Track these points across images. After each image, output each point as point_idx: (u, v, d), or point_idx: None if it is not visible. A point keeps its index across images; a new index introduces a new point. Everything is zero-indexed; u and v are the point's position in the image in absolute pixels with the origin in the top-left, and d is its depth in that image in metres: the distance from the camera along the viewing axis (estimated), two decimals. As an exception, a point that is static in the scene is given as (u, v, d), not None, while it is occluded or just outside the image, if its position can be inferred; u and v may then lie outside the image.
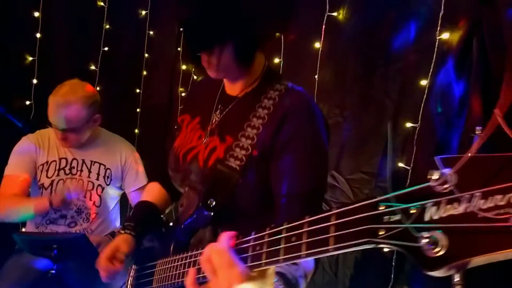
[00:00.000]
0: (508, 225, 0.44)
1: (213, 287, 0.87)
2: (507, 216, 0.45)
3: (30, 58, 3.17)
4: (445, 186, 0.53)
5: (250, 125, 1.29)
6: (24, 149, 2.57)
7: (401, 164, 2.25)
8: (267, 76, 1.37)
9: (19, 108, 3.07)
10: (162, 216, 1.60)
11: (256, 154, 1.26)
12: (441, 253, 0.50)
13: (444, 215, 0.51)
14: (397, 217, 0.56)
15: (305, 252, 0.71)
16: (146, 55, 3.19)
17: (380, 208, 0.59)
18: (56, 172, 2.55)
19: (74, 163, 2.58)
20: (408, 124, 2.28)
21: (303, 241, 0.72)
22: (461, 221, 0.49)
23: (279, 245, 0.77)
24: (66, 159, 2.58)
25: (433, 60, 2.17)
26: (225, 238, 0.88)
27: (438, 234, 0.51)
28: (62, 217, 2.53)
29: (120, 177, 2.66)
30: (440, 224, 0.51)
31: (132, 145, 2.78)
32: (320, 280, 2.44)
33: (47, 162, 2.56)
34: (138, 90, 3.25)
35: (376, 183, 2.29)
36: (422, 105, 2.23)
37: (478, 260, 0.48)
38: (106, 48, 3.26)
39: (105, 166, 2.61)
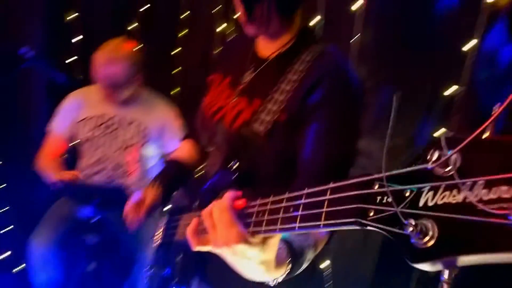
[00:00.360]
0: (505, 223, 0.35)
1: (212, 240, 0.85)
2: (507, 212, 0.36)
3: (73, 15, 3.17)
4: (447, 169, 0.44)
5: (279, 89, 1.24)
6: (67, 108, 2.67)
7: (441, 132, 2.10)
8: (302, 37, 1.30)
9: (63, 65, 3.10)
10: (191, 173, 1.60)
11: (283, 120, 1.21)
12: (429, 244, 0.43)
13: (441, 202, 0.43)
14: (389, 199, 0.49)
15: (298, 225, 0.66)
16: (184, 15, 3.12)
17: (375, 187, 0.52)
18: (95, 127, 2.61)
19: (114, 120, 2.63)
20: (450, 90, 2.12)
21: (299, 213, 0.66)
22: (456, 212, 0.41)
23: (278, 215, 0.73)
24: (106, 116, 2.62)
25: (480, 22, 1.99)
26: (229, 197, 0.84)
27: (428, 223, 0.43)
28: (100, 171, 2.61)
29: (158, 137, 2.67)
30: (431, 212, 0.43)
31: (172, 106, 2.75)
32: (350, 246, 2.39)
33: (88, 117, 2.63)
34: (175, 51, 3.21)
35: (413, 150, 2.16)
36: (467, 70, 2.06)
37: (468, 259, 0.40)
38: (144, 8, 3.21)
39: (143, 125, 2.63)
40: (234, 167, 1.20)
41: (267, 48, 1.33)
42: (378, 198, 0.50)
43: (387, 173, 0.49)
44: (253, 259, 0.83)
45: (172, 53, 3.22)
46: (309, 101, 1.19)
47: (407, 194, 0.47)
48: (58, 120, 2.66)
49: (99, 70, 2.44)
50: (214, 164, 1.38)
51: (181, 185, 1.56)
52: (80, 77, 3.11)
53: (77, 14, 3.17)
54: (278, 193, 0.77)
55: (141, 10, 3.17)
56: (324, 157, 1.17)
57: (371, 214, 0.50)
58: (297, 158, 1.20)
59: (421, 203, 0.45)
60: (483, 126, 0.41)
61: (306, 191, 0.67)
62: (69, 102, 2.67)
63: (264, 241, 0.82)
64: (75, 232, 2.40)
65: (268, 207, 0.77)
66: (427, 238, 0.42)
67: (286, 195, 0.72)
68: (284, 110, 1.21)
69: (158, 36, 3.23)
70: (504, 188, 0.38)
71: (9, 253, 2.94)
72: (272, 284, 0.94)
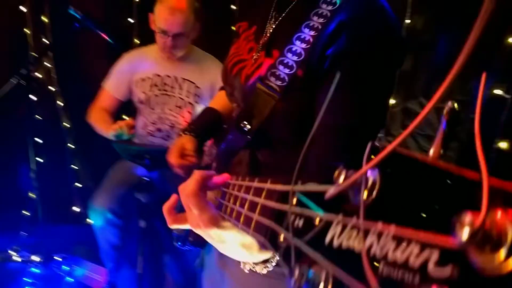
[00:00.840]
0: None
1: (188, 220, 0.77)
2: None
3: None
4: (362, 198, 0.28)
5: (300, 38, 1.01)
6: (122, 69, 2.65)
7: (499, 92, 1.75)
8: None
9: (122, 26, 3.08)
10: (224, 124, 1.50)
11: (300, 74, 0.99)
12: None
13: (345, 244, 0.27)
14: (300, 223, 0.33)
15: (233, 220, 0.52)
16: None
17: (292, 202, 0.36)
18: (150, 88, 2.61)
19: (167, 80, 2.60)
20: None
21: (235, 207, 0.53)
22: (354, 265, 0.25)
23: (230, 203, 0.61)
24: (160, 76, 2.60)
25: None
26: (196, 179, 0.72)
27: (323, 273, 0.28)
28: (158, 130, 2.63)
29: (209, 95, 2.62)
30: (323, 259, 0.27)
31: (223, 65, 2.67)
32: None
33: (142, 78, 2.61)
34: (233, 7, 3.04)
35: (469, 114, 1.83)
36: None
37: None
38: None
39: (195, 84, 2.59)
40: (246, 128, 1.06)
41: None
42: (293, 218, 0.35)
43: (298, 188, 0.33)
44: (231, 242, 0.73)
45: (231, 8, 3.06)
46: (329, 51, 0.95)
47: (317, 222, 0.32)
48: (111, 79, 2.65)
49: (164, 18, 2.38)
50: (231, 124, 1.23)
51: (214, 134, 1.45)
52: (137, 41, 3.08)
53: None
54: (249, 175, 0.64)
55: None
56: (339, 122, 0.94)
57: (281, 240, 0.35)
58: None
59: (327, 240, 0.30)
60: (402, 136, 0.24)
61: (248, 181, 0.52)
62: (124, 63, 2.65)
63: None
64: (131, 191, 2.44)
65: (231, 191, 0.64)
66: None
67: (238, 181, 0.58)
68: (302, 63, 0.99)
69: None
70: (415, 249, 0.22)
71: (78, 209, 3.09)
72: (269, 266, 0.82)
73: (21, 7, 3.07)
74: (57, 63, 3.12)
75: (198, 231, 0.75)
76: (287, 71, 1.01)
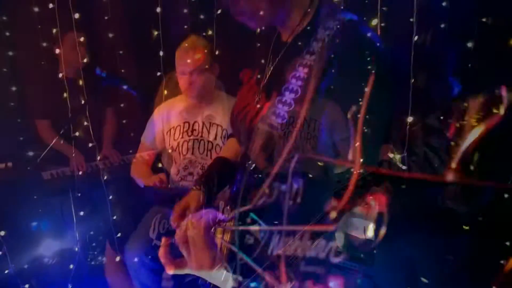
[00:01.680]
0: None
1: (188, 263, 0.76)
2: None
3: (156, 33, 3.23)
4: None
5: (295, 76, 1.05)
6: (155, 121, 2.77)
7: None
8: (322, 9, 1.08)
9: (151, 80, 3.18)
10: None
11: (298, 110, 1.02)
12: None
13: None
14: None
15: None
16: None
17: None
18: (181, 135, 2.69)
19: (196, 126, 2.68)
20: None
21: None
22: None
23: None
24: (188, 122, 2.69)
25: None
26: (209, 217, 0.71)
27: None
28: (190, 174, 2.67)
29: (237, 138, 2.64)
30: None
31: None
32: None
33: (173, 127, 2.72)
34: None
35: None
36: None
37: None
38: (219, 12, 3.14)
39: (222, 127, 2.65)
40: (251, 167, 1.06)
41: (285, 31, 1.14)
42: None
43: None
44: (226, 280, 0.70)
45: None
46: (322, 86, 0.98)
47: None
48: (147, 132, 2.77)
49: (181, 59, 2.52)
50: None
51: (228, 183, 1.46)
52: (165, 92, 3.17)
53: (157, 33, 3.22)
54: None
55: (217, 13, 3.11)
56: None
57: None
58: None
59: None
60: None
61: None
62: (156, 115, 2.77)
63: None
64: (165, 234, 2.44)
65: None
66: None
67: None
68: (299, 99, 1.01)
69: (235, 38, 3.15)
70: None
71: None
72: None
73: (60, 75, 3.23)
74: (92, 120, 3.23)
75: (199, 273, 0.73)
76: (286, 108, 1.03)
